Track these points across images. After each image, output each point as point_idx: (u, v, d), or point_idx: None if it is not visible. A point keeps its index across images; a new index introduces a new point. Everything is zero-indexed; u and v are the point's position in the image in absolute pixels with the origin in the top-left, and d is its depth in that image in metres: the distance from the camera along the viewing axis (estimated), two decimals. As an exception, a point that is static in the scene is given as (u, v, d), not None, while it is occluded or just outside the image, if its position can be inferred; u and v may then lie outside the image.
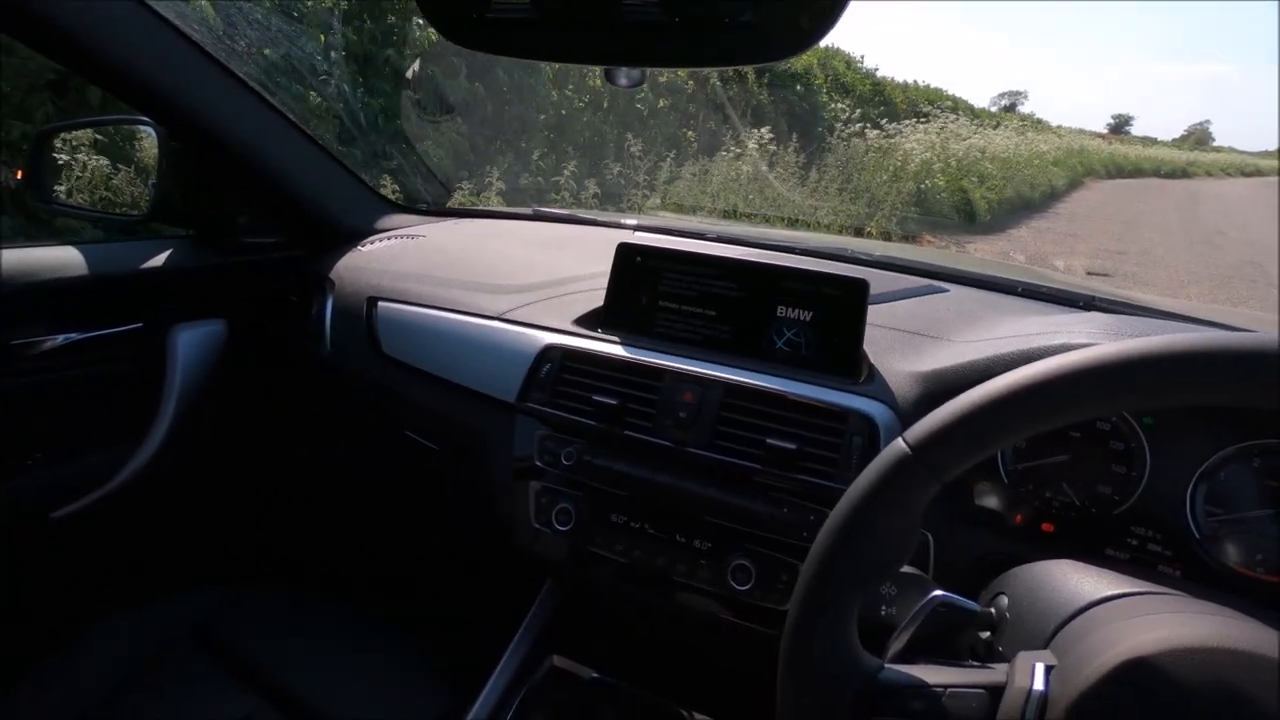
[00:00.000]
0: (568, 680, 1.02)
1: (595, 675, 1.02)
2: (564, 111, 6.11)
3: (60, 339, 1.04)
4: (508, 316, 1.01)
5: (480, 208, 2.05)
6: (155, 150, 1.17)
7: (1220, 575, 0.69)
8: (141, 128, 1.24)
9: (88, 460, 1.12)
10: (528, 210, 1.54)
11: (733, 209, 5.55)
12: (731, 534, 0.82)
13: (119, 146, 2.24)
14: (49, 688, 0.96)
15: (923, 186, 8.17)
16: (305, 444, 1.42)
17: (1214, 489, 0.70)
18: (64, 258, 1.07)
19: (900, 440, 0.48)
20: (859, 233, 6.15)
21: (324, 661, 1.04)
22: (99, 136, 2.21)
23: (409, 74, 4.46)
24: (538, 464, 0.90)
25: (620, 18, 0.51)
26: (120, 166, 2.15)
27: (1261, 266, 7.75)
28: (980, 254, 7.27)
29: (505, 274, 1.12)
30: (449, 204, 3.76)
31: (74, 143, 2.10)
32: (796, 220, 5.59)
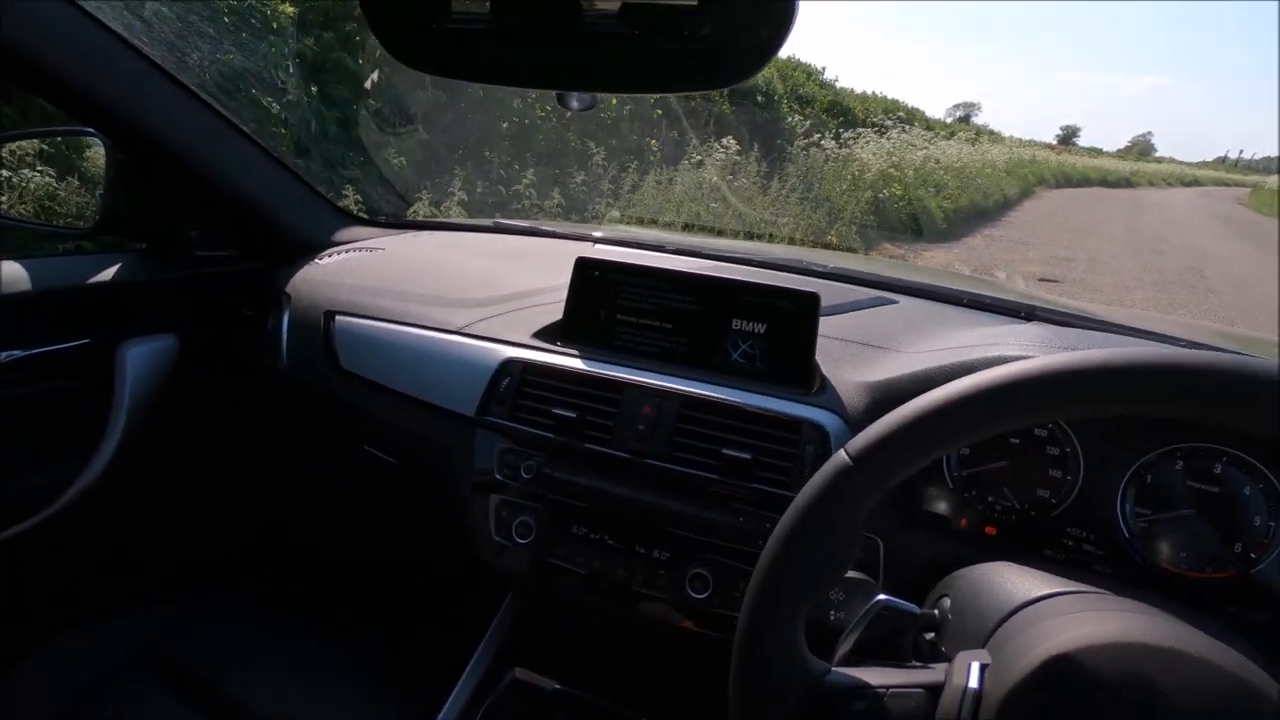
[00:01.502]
0: (530, 692, 1.02)
1: (557, 686, 1.03)
2: (527, 120, 6.10)
3: (3, 356, 1.01)
4: (467, 330, 1.01)
5: (440, 219, 2.05)
6: (103, 161, 1.15)
7: (1149, 573, 0.72)
8: (88, 138, 1.21)
9: (34, 479, 1.09)
10: (488, 222, 1.54)
11: (695, 218, 5.60)
12: (690, 544, 0.83)
13: (65, 157, 2.17)
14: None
15: (881, 196, 8.35)
16: (262, 459, 1.39)
17: (1142, 490, 0.74)
18: (6, 272, 1.04)
19: (842, 451, 0.50)
20: (822, 243, 6.26)
21: (282, 678, 1.03)
22: (45, 147, 2.15)
23: (368, 84, 4.41)
24: (498, 477, 0.91)
25: (579, 28, 0.51)
26: (66, 178, 2.09)
27: (1201, 273, 8.10)
28: (936, 262, 7.47)
29: (464, 287, 1.13)
30: (408, 214, 3.73)
31: (18, 153, 2.04)
32: (752, 234, 5.66)
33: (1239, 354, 0.45)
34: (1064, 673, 0.44)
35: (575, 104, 0.57)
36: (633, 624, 0.91)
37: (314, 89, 4.13)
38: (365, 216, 1.50)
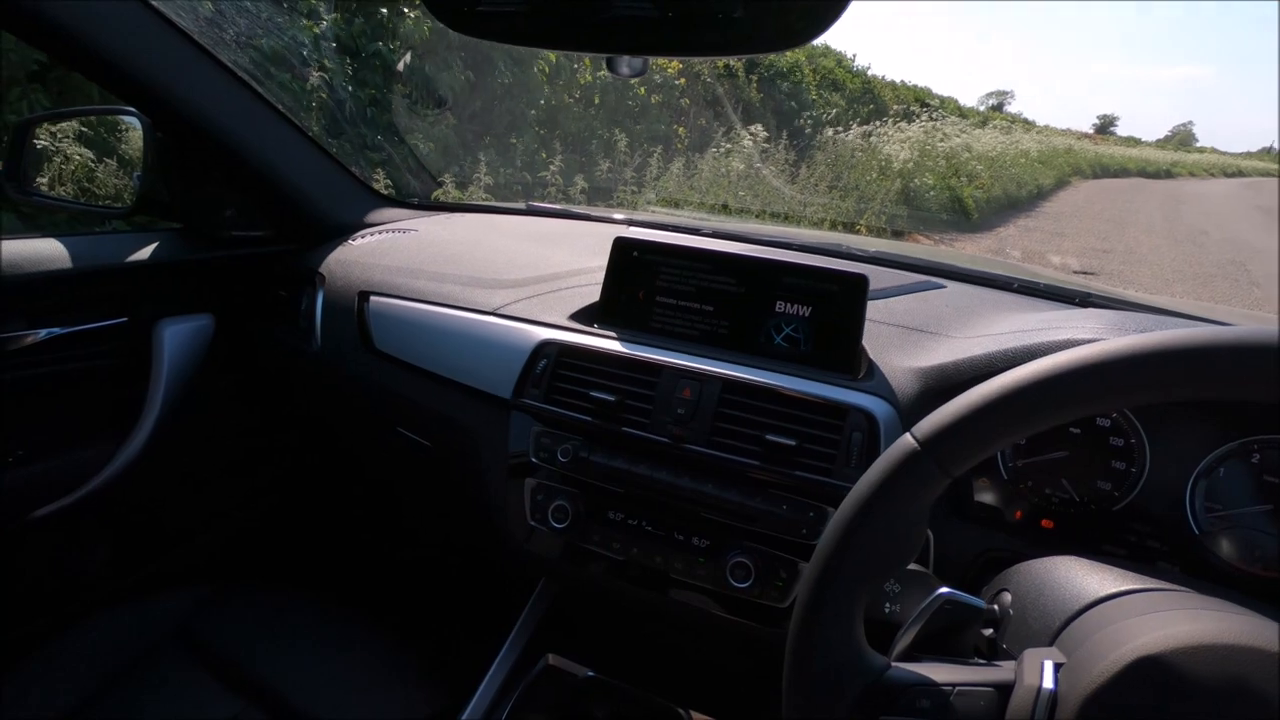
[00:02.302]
0: (562, 679, 1.01)
1: (590, 673, 1.01)
2: (554, 105, 6.07)
3: (43, 333, 1.02)
4: (502, 311, 1.00)
5: (472, 202, 2.03)
6: (140, 142, 1.15)
7: (1219, 571, 0.69)
8: (126, 118, 1.21)
9: (72, 457, 1.10)
10: (521, 205, 1.52)
11: (723, 205, 5.55)
12: (730, 531, 0.81)
13: (103, 138, 2.20)
14: (29, 687, 0.94)
15: (911, 185, 8.21)
16: (295, 440, 1.40)
17: (1213, 485, 0.70)
18: (47, 250, 1.05)
19: (909, 435, 0.47)
20: (850, 230, 6.16)
21: (314, 661, 1.02)
22: (83, 128, 2.17)
23: (399, 67, 4.42)
24: (533, 461, 0.89)
25: (610, 11, 0.50)
26: (104, 159, 2.11)
27: (1244, 266, 7.85)
28: (970, 252, 7.32)
29: (499, 269, 1.11)
30: (435, 197, 3.74)
31: (58, 134, 2.06)
32: (787, 216, 5.59)
33: None
34: (1150, 675, 0.41)
35: (625, 69, 0.55)
36: (668, 612, 0.89)
37: (349, 71, 4.15)
38: (398, 198, 1.50)
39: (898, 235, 6.82)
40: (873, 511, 0.47)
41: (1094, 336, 0.72)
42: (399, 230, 1.30)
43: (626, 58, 0.55)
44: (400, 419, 1.10)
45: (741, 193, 6.05)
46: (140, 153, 1.17)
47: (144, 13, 0.95)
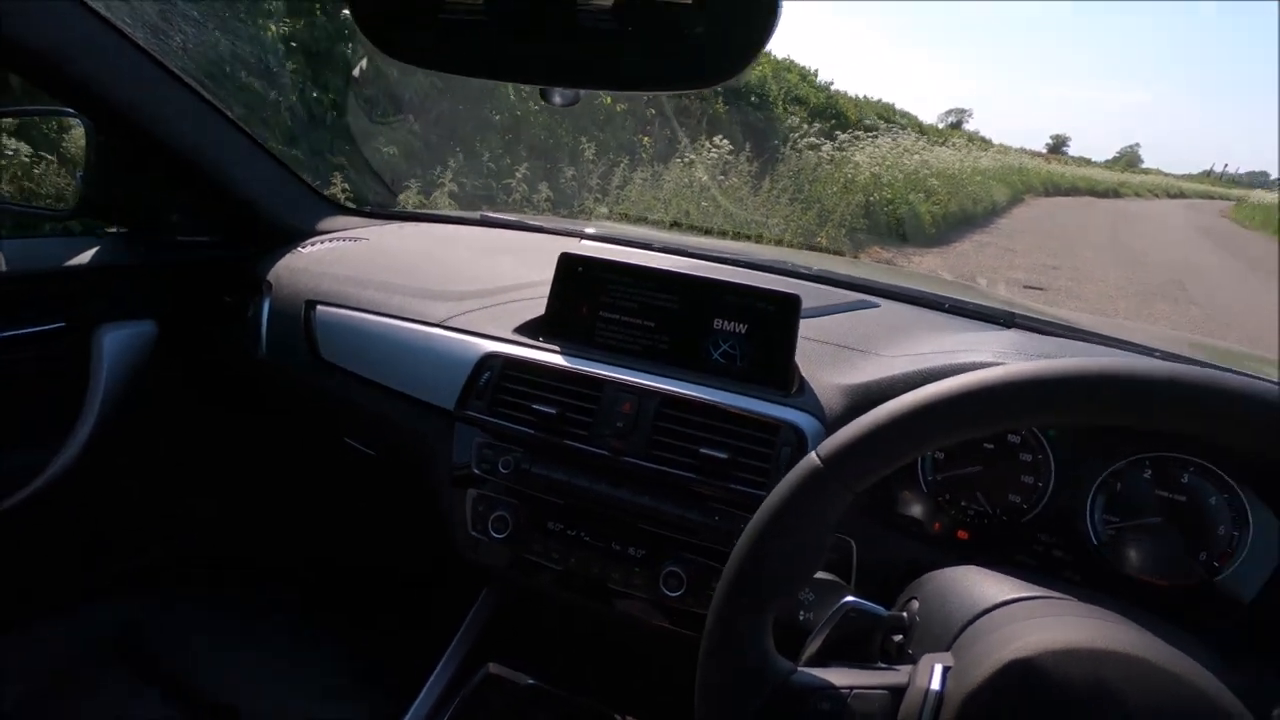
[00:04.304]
0: (504, 687, 1.02)
1: (531, 681, 1.03)
2: (519, 113, 6.07)
3: None
4: (448, 323, 1.01)
5: (426, 211, 2.03)
6: (84, 142, 1.13)
7: (1117, 580, 0.74)
8: (69, 119, 1.19)
9: (7, 462, 1.08)
10: (474, 215, 1.53)
11: (684, 216, 5.60)
12: (665, 542, 0.83)
13: (45, 135, 2.14)
14: None
15: (872, 199, 8.39)
16: (240, 447, 1.38)
17: (1111, 498, 0.75)
18: None
19: (813, 454, 0.50)
20: (810, 244, 6.28)
21: (252, 671, 1.02)
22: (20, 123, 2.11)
23: (355, 72, 4.37)
24: (475, 472, 0.91)
25: (574, 22, 0.51)
26: (45, 156, 2.05)
27: (1182, 285, 8.21)
28: (923, 267, 7.52)
29: (447, 280, 1.12)
30: (397, 204, 3.70)
31: (-5, 131, 2.00)
32: (741, 234, 5.67)
33: (1203, 364, 0.46)
34: (1024, 677, 0.45)
35: (558, 99, 0.57)
36: (607, 621, 0.91)
37: (308, 73, 4.09)
38: (351, 205, 1.49)
39: (856, 250, 6.97)
40: (781, 524, 0.50)
41: (994, 360, 0.76)
42: (349, 239, 1.30)
43: (559, 89, 0.57)
44: (346, 428, 1.10)
45: (704, 204, 6.12)
46: (83, 150, 1.15)
47: (82, 12, 0.94)
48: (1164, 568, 0.72)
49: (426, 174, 4.61)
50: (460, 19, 0.53)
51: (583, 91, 0.58)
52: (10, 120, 2.06)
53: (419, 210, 1.78)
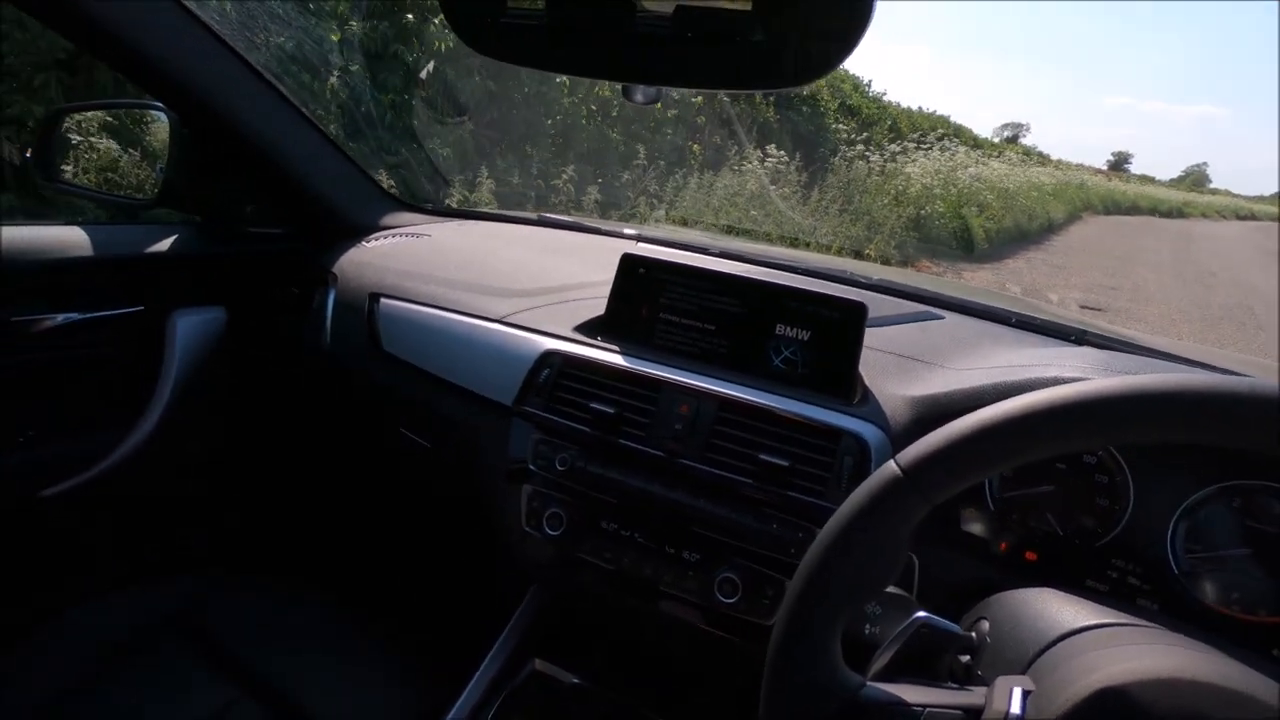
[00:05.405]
0: (548, 684, 1.02)
1: (576, 680, 1.02)
2: (572, 118, 6.14)
3: (60, 318, 1.05)
4: (509, 320, 1.02)
5: (486, 210, 2.06)
6: (165, 135, 1.18)
7: (1197, 611, 0.70)
8: (153, 112, 1.25)
9: (80, 441, 1.12)
10: (533, 215, 1.55)
11: (735, 224, 5.59)
12: (720, 547, 0.82)
13: (128, 130, 2.24)
14: (27, 667, 0.96)
15: (923, 212, 8.23)
16: (299, 435, 1.42)
17: (1194, 526, 0.72)
18: (68, 237, 1.08)
19: (893, 462, 0.49)
20: (858, 255, 6.19)
21: (305, 655, 1.04)
22: (109, 119, 2.21)
23: (423, 75, 4.48)
24: (531, 468, 0.91)
25: (632, 28, 0.52)
26: (129, 150, 2.15)
27: (1252, 310, 7.84)
28: (976, 282, 7.34)
29: (508, 277, 1.13)
30: (447, 203, 3.78)
31: (85, 124, 2.10)
32: (796, 240, 5.62)
33: None
34: (1113, 706, 0.43)
35: (640, 97, 0.57)
36: (656, 623, 0.91)
37: (369, 75, 4.21)
38: (412, 202, 1.53)
39: (904, 263, 6.84)
40: (855, 535, 0.49)
41: (1078, 375, 0.74)
42: (412, 234, 1.32)
43: (642, 86, 0.57)
44: (403, 420, 1.12)
45: (753, 212, 6.08)
46: (164, 145, 1.20)
47: (174, 8, 0.98)
48: (1250, 602, 0.69)
49: (477, 174, 4.70)
50: (522, 22, 0.55)
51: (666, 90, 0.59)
52: (100, 115, 2.17)
53: (479, 209, 1.81)
